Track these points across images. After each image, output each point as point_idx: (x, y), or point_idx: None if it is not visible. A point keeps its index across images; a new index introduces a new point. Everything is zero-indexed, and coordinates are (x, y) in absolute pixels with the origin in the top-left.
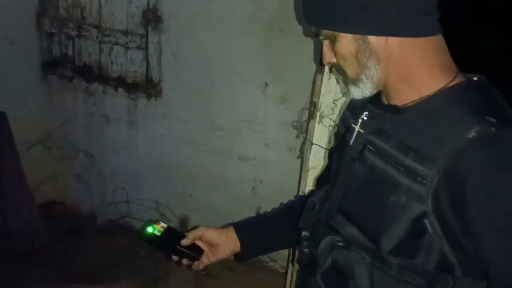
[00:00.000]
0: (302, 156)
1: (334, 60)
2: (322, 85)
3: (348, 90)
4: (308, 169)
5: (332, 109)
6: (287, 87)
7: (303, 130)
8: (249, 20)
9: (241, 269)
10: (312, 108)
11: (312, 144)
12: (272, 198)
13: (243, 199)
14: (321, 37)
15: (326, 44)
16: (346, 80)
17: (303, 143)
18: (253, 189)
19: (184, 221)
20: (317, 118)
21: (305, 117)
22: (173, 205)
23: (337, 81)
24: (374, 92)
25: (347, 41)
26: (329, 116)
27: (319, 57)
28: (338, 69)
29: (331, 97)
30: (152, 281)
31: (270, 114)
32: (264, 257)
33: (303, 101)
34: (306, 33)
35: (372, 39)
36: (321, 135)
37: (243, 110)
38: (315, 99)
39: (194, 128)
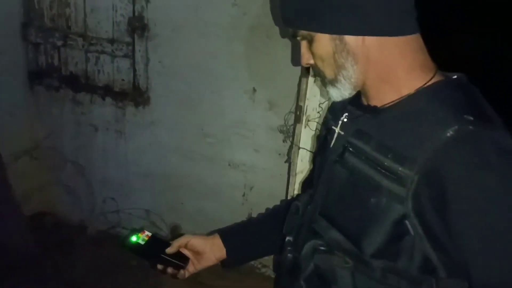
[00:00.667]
0: (290, 161)
1: (312, 61)
2: (308, 89)
3: (327, 91)
4: (296, 173)
5: (318, 112)
6: (275, 92)
7: (290, 135)
8: (235, 26)
9: (233, 276)
10: (298, 112)
11: (299, 148)
12: (263, 204)
13: (234, 206)
14: (298, 38)
15: (303, 45)
16: (324, 81)
17: (290, 147)
18: (243, 195)
19: (175, 229)
20: (303, 122)
21: (292, 121)
22: (164, 213)
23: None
24: (353, 93)
25: (324, 42)
26: (315, 120)
27: (297, 59)
28: (316, 71)
29: (317, 100)
30: None
31: (259, 120)
32: (256, 264)
33: (291, 106)
34: (283, 35)
35: (349, 39)
36: (308, 139)
37: (231, 116)
38: (300, 103)
39: (183, 135)
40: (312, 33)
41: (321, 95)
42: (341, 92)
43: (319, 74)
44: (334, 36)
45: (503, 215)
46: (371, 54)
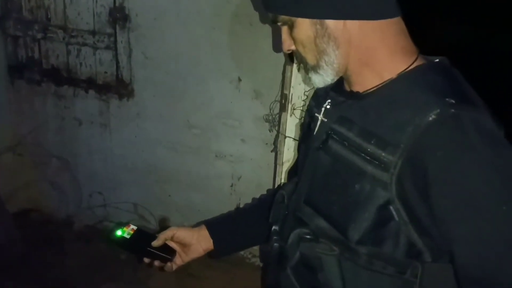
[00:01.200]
0: (276, 150)
1: (293, 47)
2: (292, 77)
3: (309, 78)
4: (283, 163)
5: (303, 100)
6: (260, 81)
7: (276, 124)
8: (218, 15)
9: (223, 266)
10: (283, 101)
11: (285, 137)
12: (251, 194)
13: (222, 197)
14: (279, 24)
15: (284, 31)
16: (306, 68)
17: (276, 136)
18: (231, 186)
19: (163, 222)
20: (289, 110)
21: (277, 110)
22: (152, 206)
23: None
24: (335, 79)
25: (304, 27)
26: (301, 108)
27: (279, 45)
28: (298, 57)
29: (302, 88)
30: (132, 285)
31: (245, 109)
32: (246, 254)
33: (276, 94)
34: (263, 20)
35: (330, 23)
36: (294, 127)
37: (217, 107)
38: (285, 91)
39: (168, 127)
40: (293, 18)
41: (306, 83)
42: (324, 78)
43: (301, 61)
44: (315, 20)
45: (485, 195)
46: (353, 38)
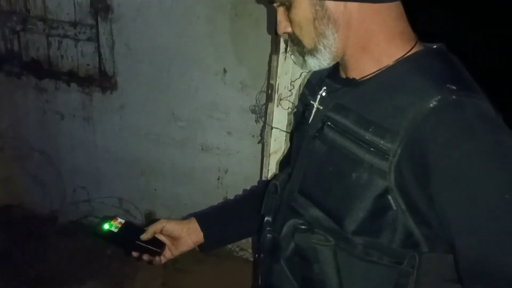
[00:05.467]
0: (263, 141)
1: (289, 29)
2: (279, 66)
3: (304, 61)
4: (269, 154)
5: (290, 90)
6: (247, 72)
7: (262, 115)
8: (202, 5)
9: (211, 260)
10: (270, 91)
11: (272, 128)
12: (239, 187)
13: (209, 190)
14: (275, 4)
15: (280, 11)
16: (302, 50)
17: (263, 127)
18: (218, 179)
19: (149, 216)
20: (276, 100)
21: (264, 100)
22: (137, 201)
23: (294, 62)
24: (332, 63)
25: (303, 7)
26: (288, 98)
27: (273, 28)
28: (293, 39)
29: (288, 78)
30: (118, 280)
31: (231, 101)
32: (234, 247)
33: (263, 85)
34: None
35: (330, 4)
36: (281, 118)
37: (203, 99)
38: (272, 81)
39: (153, 120)
40: None
41: (293, 72)
42: (320, 62)
43: (297, 43)
44: (314, 1)
45: (487, 183)
46: (353, 21)
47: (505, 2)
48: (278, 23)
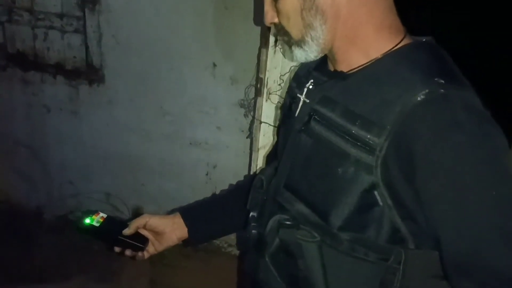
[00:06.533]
0: (252, 136)
1: (276, 19)
2: (268, 60)
3: (291, 52)
4: (258, 149)
5: (280, 84)
6: (236, 66)
7: (251, 109)
8: None
9: (199, 256)
10: (259, 85)
11: (260, 122)
12: (227, 182)
13: (197, 185)
14: None
15: (267, 1)
16: (289, 41)
17: (252, 122)
18: (207, 174)
19: (137, 211)
20: (265, 95)
21: (252, 94)
22: (125, 196)
23: (284, 56)
24: (319, 56)
25: None
26: (277, 93)
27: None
28: (280, 30)
29: (278, 72)
30: (106, 276)
31: (220, 96)
32: (222, 243)
33: (252, 79)
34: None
35: None
36: (270, 112)
37: (192, 93)
38: (261, 75)
39: (141, 114)
40: None
41: (282, 66)
42: (307, 54)
43: (284, 34)
44: None
45: (474, 177)
46: (341, 12)
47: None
48: (265, 13)
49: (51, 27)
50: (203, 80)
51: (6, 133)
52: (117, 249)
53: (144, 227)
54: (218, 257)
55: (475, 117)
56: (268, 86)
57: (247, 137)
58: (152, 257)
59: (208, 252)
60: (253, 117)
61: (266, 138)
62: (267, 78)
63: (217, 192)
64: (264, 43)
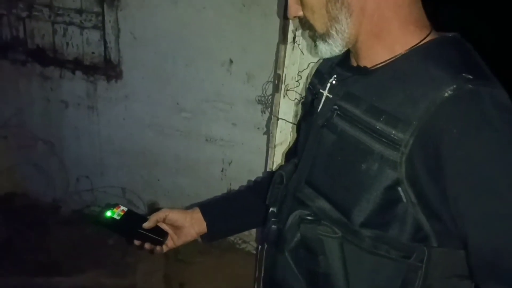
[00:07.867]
0: (269, 132)
1: (300, 13)
2: (286, 57)
3: (315, 46)
4: (275, 145)
5: (297, 81)
6: (253, 63)
7: (269, 105)
8: None
9: (213, 252)
10: (277, 81)
11: (278, 119)
12: (242, 179)
13: (212, 181)
14: None
15: None
16: (314, 35)
17: (269, 118)
18: (222, 170)
19: (152, 207)
20: (282, 91)
21: (270, 91)
22: (140, 191)
23: (302, 52)
24: (343, 50)
25: None
26: (295, 89)
27: (282, 17)
28: (304, 24)
29: (296, 68)
30: (119, 270)
31: (236, 92)
32: (236, 239)
33: (269, 76)
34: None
35: None
36: (287, 109)
37: (208, 89)
38: (279, 72)
39: (157, 110)
40: None
41: (300, 62)
42: (332, 48)
43: (309, 28)
44: None
45: (503, 174)
46: (367, 6)
47: None
48: (289, 6)
49: (70, 23)
50: (219, 76)
51: (24, 127)
52: (136, 242)
53: (164, 221)
54: (232, 254)
55: (505, 113)
56: (286, 83)
57: (263, 134)
58: (166, 252)
59: (222, 249)
60: (271, 113)
61: (283, 135)
62: (285, 75)
63: (232, 188)
64: (283, 39)
